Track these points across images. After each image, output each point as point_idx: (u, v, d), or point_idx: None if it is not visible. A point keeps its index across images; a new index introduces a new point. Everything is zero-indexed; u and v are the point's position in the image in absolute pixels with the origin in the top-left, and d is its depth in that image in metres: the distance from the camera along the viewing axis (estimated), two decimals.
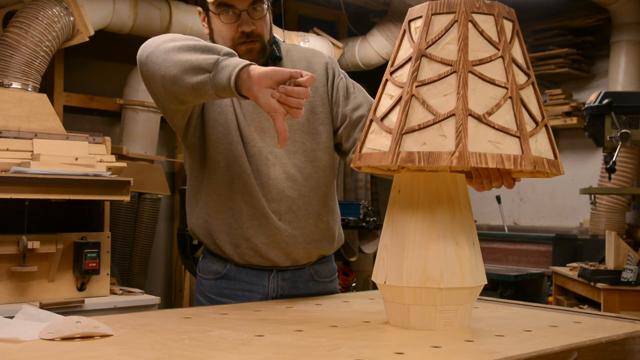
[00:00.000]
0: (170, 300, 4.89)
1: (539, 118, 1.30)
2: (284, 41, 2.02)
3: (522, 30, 5.75)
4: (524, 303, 1.72)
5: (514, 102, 1.25)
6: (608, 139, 3.26)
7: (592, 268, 3.36)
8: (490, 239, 5.33)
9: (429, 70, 1.27)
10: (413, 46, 1.30)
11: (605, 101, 3.25)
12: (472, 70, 1.25)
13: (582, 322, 1.42)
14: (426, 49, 1.28)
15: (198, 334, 1.22)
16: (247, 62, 1.43)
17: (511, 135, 1.23)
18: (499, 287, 4.78)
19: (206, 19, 1.78)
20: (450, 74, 1.25)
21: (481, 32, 1.27)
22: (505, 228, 5.53)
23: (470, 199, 1.35)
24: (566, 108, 5.21)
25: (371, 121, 1.35)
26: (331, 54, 5.09)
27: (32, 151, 2.88)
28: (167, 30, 4.29)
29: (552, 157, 1.30)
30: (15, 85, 3.35)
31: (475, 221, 1.41)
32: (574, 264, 3.91)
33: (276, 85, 1.37)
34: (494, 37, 1.28)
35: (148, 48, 1.56)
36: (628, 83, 4.80)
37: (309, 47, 4.84)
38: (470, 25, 1.27)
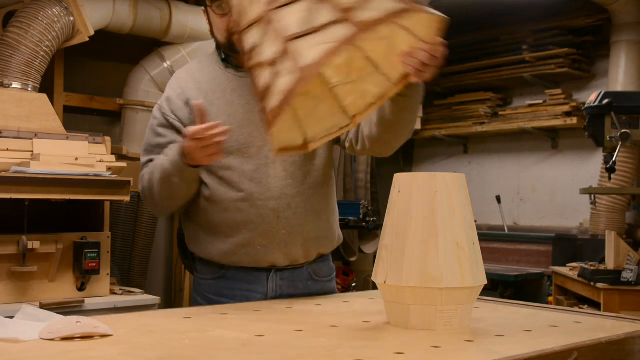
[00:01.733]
0: (170, 300, 4.89)
1: None
2: None
3: (522, 30, 5.68)
4: (524, 303, 1.71)
5: None
6: (608, 139, 3.26)
7: (592, 268, 3.36)
8: (490, 239, 5.33)
9: None
10: None
11: (605, 101, 3.25)
12: None
13: (582, 322, 1.42)
14: None
15: (198, 334, 1.22)
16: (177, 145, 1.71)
17: None
18: (499, 287, 4.77)
19: (205, 13, 1.85)
20: None
21: None
22: (505, 228, 5.53)
23: (470, 199, 1.35)
24: (566, 108, 5.21)
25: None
26: None
27: (32, 151, 2.87)
28: (167, 30, 4.29)
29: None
30: (15, 85, 3.35)
31: (475, 221, 1.41)
32: (574, 264, 3.91)
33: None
34: None
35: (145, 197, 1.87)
36: (628, 83, 4.80)
37: None
38: None
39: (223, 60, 1.87)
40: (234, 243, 1.77)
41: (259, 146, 1.76)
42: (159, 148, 1.85)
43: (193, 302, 1.90)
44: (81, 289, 2.91)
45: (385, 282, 1.31)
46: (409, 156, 6.58)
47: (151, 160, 1.85)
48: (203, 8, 1.86)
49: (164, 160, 1.77)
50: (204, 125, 1.59)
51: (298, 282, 1.84)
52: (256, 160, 1.76)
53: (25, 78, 3.39)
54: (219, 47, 1.89)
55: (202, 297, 1.86)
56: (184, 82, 1.86)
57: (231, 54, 1.85)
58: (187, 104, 1.82)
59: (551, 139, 5.56)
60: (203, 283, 1.86)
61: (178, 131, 1.82)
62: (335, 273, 2.00)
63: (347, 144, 1.87)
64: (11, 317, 1.24)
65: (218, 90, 1.82)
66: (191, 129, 1.60)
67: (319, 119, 1.52)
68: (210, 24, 1.85)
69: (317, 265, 1.89)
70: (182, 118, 1.84)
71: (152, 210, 1.94)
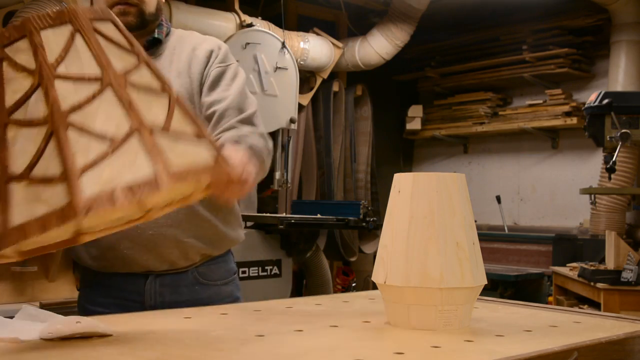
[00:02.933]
0: None
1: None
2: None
3: (522, 30, 5.70)
4: (524, 303, 1.71)
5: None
6: (608, 139, 3.26)
7: (592, 268, 3.36)
8: (490, 239, 5.33)
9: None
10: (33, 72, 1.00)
11: (605, 101, 3.25)
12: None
13: (582, 322, 1.42)
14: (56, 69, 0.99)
15: (198, 334, 1.22)
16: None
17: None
18: (499, 287, 4.77)
19: None
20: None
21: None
22: (505, 228, 5.53)
23: (470, 199, 1.35)
24: (566, 108, 5.21)
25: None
26: (331, 54, 5.09)
27: None
28: None
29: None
30: None
31: (475, 221, 1.41)
32: (574, 264, 3.91)
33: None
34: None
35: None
36: (628, 83, 4.80)
37: (307, 47, 4.83)
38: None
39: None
40: (100, 246, 1.63)
41: None
42: None
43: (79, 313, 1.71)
44: None
45: (385, 282, 1.31)
46: (409, 156, 6.59)
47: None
48: None
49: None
50: None
51: (182, 288, 1.70)
52: None
53: None
54: None
55: (81, 309, 1.71)
56: None
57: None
58: None
59: (551, 139, 5.56)
60: (81, 292, 1.75)
61: None
62: (236, 274, 1.84)
63: None
64: (11, 317, 1.24)
65: None
66: None
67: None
68: None
69: (207, 268, 1.73)
70: None
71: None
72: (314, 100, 5.24)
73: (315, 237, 4.67)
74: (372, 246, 5.44)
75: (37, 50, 0.97)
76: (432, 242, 1.28)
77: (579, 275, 3.49)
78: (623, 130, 3.20)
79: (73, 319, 1.17)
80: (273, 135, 4.53)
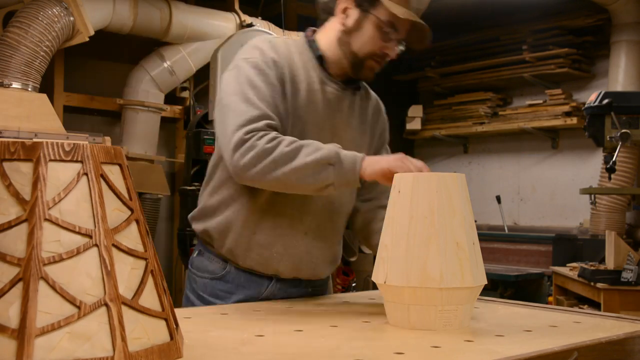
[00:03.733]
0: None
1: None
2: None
3: (522, 30, 5.68)
4: (524, 303, 1.71)
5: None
6: (608, 139, 3.26)
7: (592, 268, 3.36)
8: (490, 239, 5.33)
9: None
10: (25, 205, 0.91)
11: (605, 101, 3.24)
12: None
13: (582, 322, 1.42)
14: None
15: (198, 334, 1.22)
16: (360, 155, 1.56)
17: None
18: (499, 287, 4.78)
19: (358, 14, 1.68)
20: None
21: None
22: (505, 228, 5.53)
23: (470, 199, 1.36)
24: (566, 108, 5.21)
25: None
26: None
27: None
28: (167, 30, 4.29)
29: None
30: (15, 85, 3.35)
31: (475, 221, 1.41)
32: (574, 264, 3.91)
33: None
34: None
35: (253, 170, 1.54)
36: (628, 83, 4.80)
37: None
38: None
39: (318, 61, 1.73)
40: (255, 242, 1.71)
41: None
42: (276, 97, 1.63)
43: (184, 300, 1.82)
44: None
45: (385, 282, 1.31)
46: (409, 156, 6.58)
47: (272, 119, 1.58)
48: (361, 9, 1.67)
49: (333, 147, 1.55)
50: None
51: (293, 291, 1.79)
52: None
53: (25, 78, 3.40)
54: (311, 45, 1.75)
55: (195, 295, 1.78)
56: (279, 54, 1.70)
57: (334, 64, 1.74)
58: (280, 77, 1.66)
59: (551, 139, 5.56)
60: (199, 281, 1.79)
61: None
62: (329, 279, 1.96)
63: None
64: None
65: (310, 95, 1.70)
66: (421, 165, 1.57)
67: None
68: (355, 26, 1.68)
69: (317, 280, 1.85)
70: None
71: (255, 173, 1.55)
72: None
73: None
74: None
75: (37, 182, 0.90)
76: (432, 242, 1.28)
77: (579, 275, 3.49)
78: (623, 130, 3.20)
79: None
80: None
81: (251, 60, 1.67)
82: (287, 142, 1.54)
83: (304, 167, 1.52)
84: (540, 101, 5.46)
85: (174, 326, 1.02)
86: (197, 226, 1.80)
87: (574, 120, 5.10)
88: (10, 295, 0.86)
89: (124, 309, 0.92)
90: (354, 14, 1.69)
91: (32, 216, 0.89)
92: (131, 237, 0.98)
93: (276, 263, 1.73)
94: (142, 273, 0.98)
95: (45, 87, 3.97)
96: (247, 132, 1.54)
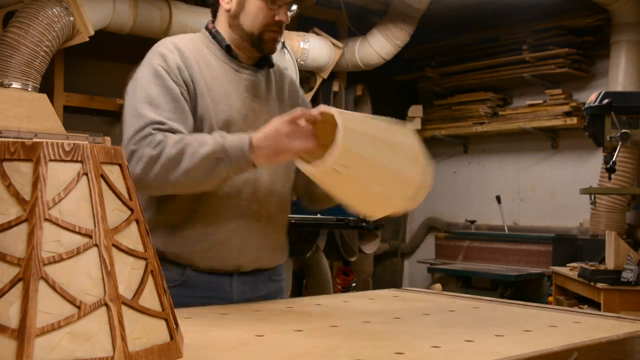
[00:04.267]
0: None
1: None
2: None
3: (522, 30, 5.68)
4: (524, 303, 1.72)
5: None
6: (608, 139, 3.26)
7: (592, 268, 3.36)
8: (490, 239, 5.33)
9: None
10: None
11: (605, 101, 3.24)
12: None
13: (582, 322, 1.42)
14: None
15: (198, 334, 1.22)
16: (246, 138, 1.53)
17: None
18: (499, 287, 4.78)
19: None
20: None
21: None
22: (505, 228, 5.53)
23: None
24: (566, 108, 5.21)
25: None
26: (331, 54, 5.09)
27: None
28: (167, 30, 4.29)
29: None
30: (15, 85, 3.35)
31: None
32: (574, 264, 3.91)
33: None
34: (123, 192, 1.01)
35: (148, 180, 1.55)
36: (628, 83, 4.80)
37: (307, 47, 4.83)
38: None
39: (226, 50, 1.76)
40: (213, 240, 1.67)
41: None
42: (174, 102, 1.62)
43: None
44: None
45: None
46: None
47: (160, 122, 1.58)
48: None
49: (217, 138, 1.54)
50: (314, 112, 1.47)
51: (259, 284, 1.77)
52: None
53: (25, 78, 3.40)
54: (215, 36, 1.79)
55: None
56: (184, 56, 1.72)
57: (239, 50, 1.76)
58: (185, 80, 1.67)
59: (551, 139, 5.56)
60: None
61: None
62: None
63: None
64: None
65: (216, 78, 1.72)
66: (303, 111, 1.49)
67: None
68: (241, 6, 1.73)
69: (277, 267, 1.84)
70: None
71: (151, 182, 1.56)
72: (314, 100, 5.24)
73: (316, 237, 4.67)
74: (372, 246, 5.45)
75: (37, 182, 0.90)
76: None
77: (579, 275, 3.49)
78: (623, 130, 3.20)
79: None
80: None
81: (151, 66, 1.68)
82: (171, 144, 1.53)
83: (194, 168, 1.52)
84: (540, 101, 5.46)
85: (174, 326, 1.02)
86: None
87: (574, 120, 5.10)
88: (10, 295, 0.87)
89: (124, 309, 0.93)
90: None
91: (32, 216, 0.89)
92: (131, 237, 0.99)
93: (236, 257, 1.70)
94: (142, 273, 0.98)
95: (45, 87, 3.97)
96: (135, 143, 1.56)
